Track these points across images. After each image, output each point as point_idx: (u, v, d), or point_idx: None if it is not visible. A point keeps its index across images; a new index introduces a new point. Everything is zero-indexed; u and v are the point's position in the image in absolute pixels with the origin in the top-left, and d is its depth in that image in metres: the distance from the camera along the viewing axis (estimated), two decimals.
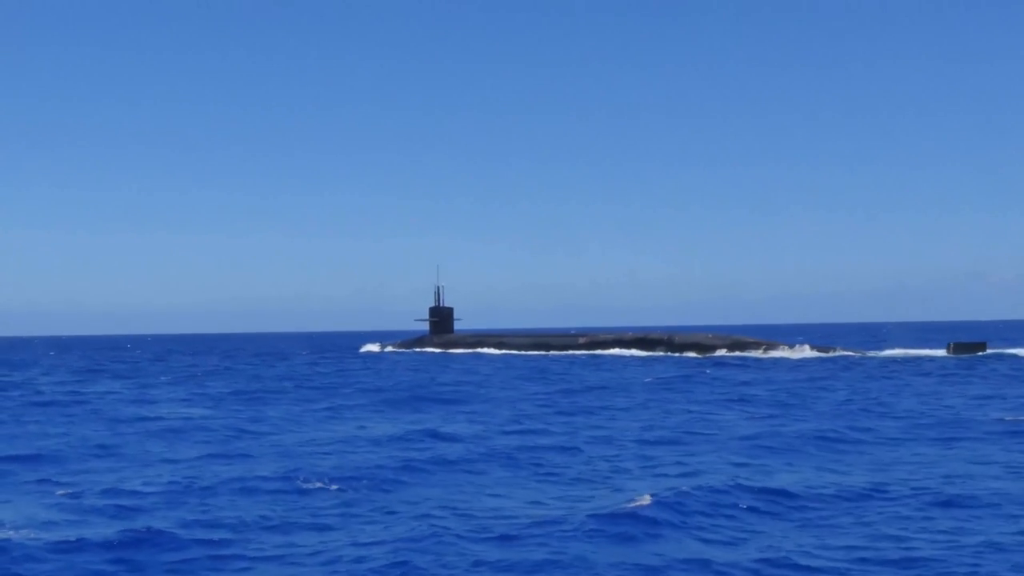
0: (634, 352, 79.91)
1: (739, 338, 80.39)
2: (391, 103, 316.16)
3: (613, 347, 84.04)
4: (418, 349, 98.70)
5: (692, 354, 74.63)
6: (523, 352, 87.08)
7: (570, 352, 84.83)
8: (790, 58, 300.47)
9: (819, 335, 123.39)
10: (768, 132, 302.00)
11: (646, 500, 14.67)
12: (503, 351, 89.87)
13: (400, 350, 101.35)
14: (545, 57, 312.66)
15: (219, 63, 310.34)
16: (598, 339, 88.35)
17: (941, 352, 66.16)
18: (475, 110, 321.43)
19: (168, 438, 24.27)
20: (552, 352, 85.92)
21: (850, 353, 69.05)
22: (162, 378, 54.44)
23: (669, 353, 76.88)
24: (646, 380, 45.12)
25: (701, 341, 79.72)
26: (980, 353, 64.13)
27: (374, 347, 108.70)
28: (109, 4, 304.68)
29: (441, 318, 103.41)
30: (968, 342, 68.29)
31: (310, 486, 16.63)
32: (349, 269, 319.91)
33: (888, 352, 69.24)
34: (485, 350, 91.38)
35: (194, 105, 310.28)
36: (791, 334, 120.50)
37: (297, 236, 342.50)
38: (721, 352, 74.07)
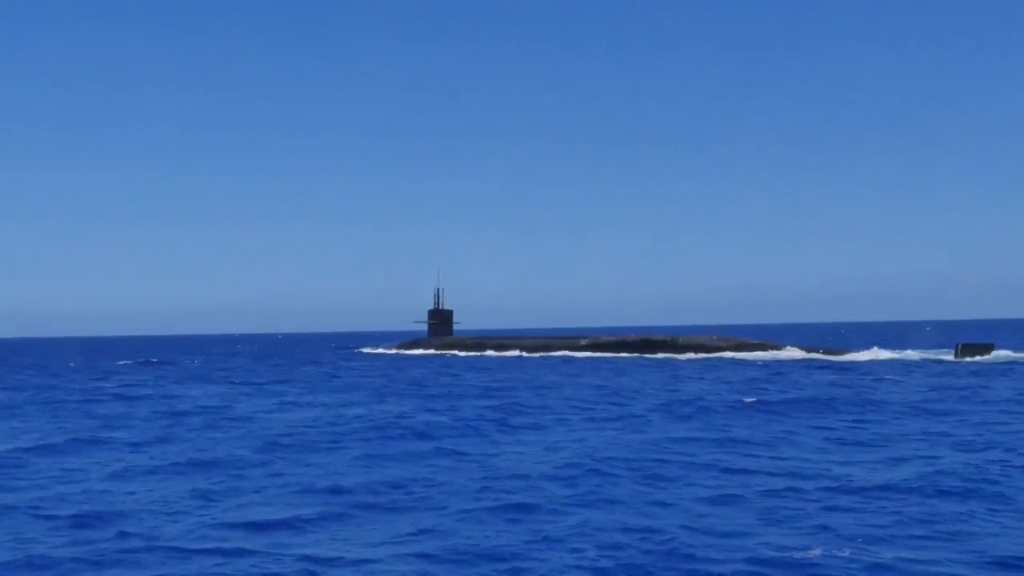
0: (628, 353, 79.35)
1: (743, 340, 79.84)
2: (394, 101, 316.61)
3: (616, 349, 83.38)
4: (411, 351, 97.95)
5: (693, 355, 74.08)
6: (528, 355, 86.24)
7: (568, 353, 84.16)
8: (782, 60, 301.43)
9: (808, 335, 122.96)
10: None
11: None
12: (502, 353, 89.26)
13: (398, 352, 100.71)
14: (550, 55, 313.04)
15: (219, 59, 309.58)
16: (600, 341, 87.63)
17: (949, 355, 65.34)
18: (477, 108, 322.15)
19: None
20: (553, 354, 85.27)
21: (925, 356, 65.92)
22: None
23: (673, 356, 76.20)
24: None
25: (705, 343, 79.11)
26: (989, 355, 63.49)
27: (378, 348, 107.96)
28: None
29: (440, 320, 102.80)
30: (976, 344, 67.53)
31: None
32: (346, 268, 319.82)
33: (896, 354, 68.03)
34: (487, 353, 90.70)
35: (195, 107, 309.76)
36: (777, 334, 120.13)
37: (294, 233, 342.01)
38: (729, 354, 73.32)
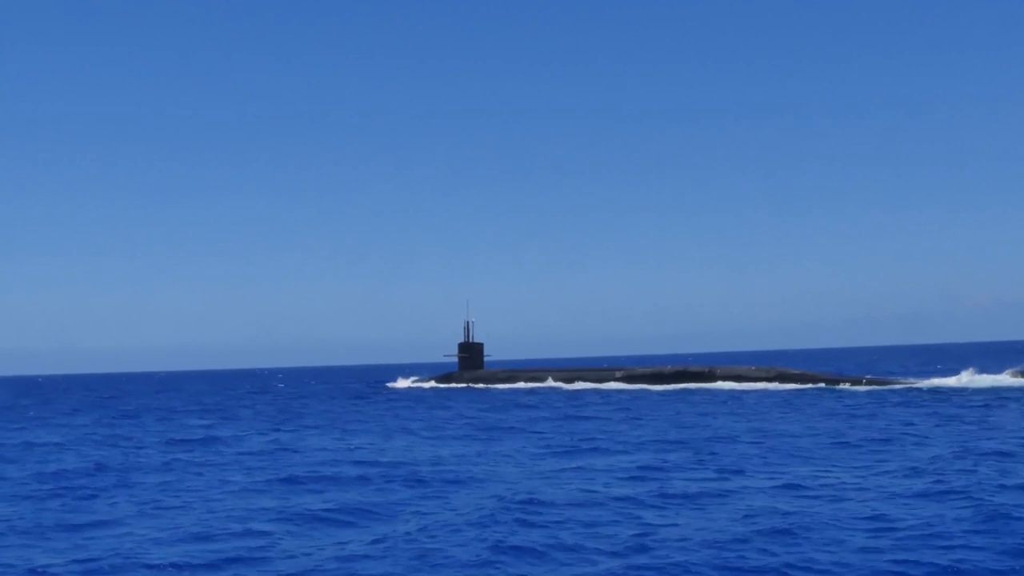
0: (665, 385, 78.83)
1: (783, 370, 79.10)
2: (414, 128, 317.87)
3: (652, 381, 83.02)
4: (448, 384, 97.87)
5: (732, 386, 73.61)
6: (564, 385, 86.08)
7: (608, 385, 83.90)
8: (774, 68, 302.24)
9: (806, 363, 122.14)
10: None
11: None
12: (533, 384, 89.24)
13: (426, 385, 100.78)
14: (585, 81, 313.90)
15: (225, 74, 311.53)
16: (635, 372, 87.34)
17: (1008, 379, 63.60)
18: (507, 136, 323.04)
19: None
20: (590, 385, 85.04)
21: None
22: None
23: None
24: None
25: (744, 374, 78.59)
26: None
27: (406, 382, 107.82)
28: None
29: (471, 353, 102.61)
30: None
31: None
32: (375, 301, 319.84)
33: (994, 379, 65.08)
34: (519, 384, 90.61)
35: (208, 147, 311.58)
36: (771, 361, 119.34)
37: (318, 264, 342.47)
38: (768, 385, 72.74)
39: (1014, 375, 64.18)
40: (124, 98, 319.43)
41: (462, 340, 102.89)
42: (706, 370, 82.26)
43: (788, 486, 21.01)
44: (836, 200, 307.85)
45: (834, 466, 24.26)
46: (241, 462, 29.50)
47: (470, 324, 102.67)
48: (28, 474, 27.91)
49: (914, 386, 63.95)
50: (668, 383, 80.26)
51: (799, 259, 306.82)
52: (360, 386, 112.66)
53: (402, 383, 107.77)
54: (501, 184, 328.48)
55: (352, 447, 33.24)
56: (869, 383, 67.55)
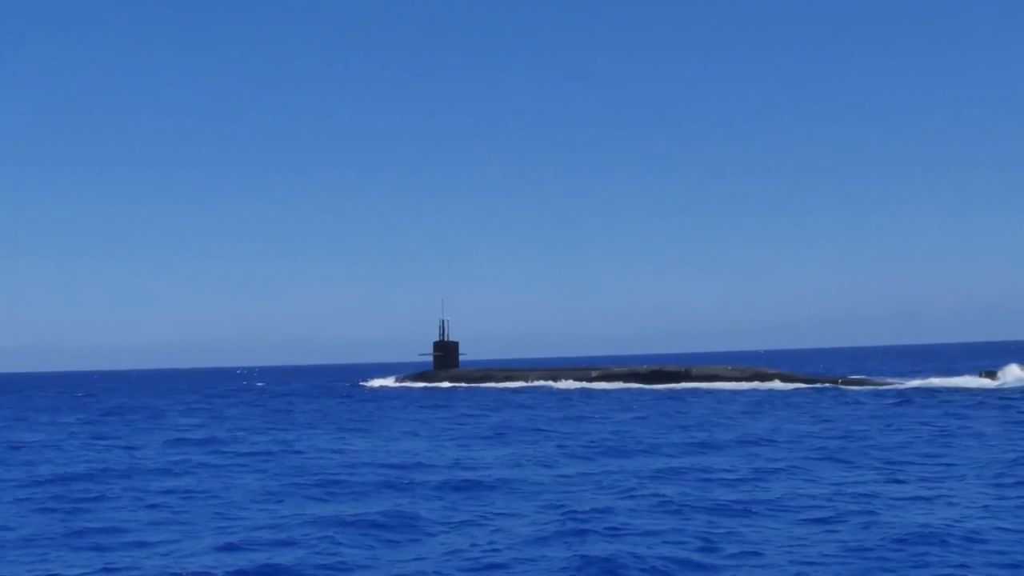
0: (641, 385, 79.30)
1: (759, 370, 79.66)
2: (402, 126, 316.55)
3: (628, 380, 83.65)
4: (427, 383, 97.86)
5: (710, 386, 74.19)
6: (552, 384, 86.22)
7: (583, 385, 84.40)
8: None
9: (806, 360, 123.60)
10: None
11: None
12: (514, 384, 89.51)
13: (404, 384, 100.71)
14: (563, 71, 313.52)
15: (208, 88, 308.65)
16: (612, 372, 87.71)
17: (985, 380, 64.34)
18: (485, 131, 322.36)
19: None
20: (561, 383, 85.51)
21: None
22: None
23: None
24: None
25: (719, 374, 79.08)
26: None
27: (387, 381, 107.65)
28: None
29: (446, 352, 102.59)
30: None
31: None
32: (348, 299, 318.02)
33: (929, 381, 65.63)
34: (500, 384, 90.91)
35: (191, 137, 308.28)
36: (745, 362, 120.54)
37: (290, 262, 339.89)
38: (745, 385, 73.34)
39: (984, 376, 65.25)
40: (124, 99, 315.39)
41: (437, 339, 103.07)
42: (682, 370, 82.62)
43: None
44: (817, 204, 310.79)
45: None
46: (253, 465, 28.17)
47: (445, 323, 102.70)
48: (30, 478, 26.33)
49: (921, 387, 62.54)
50: (645, 382, 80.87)
51: (775, 263, 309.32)
52: (340, 385, 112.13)
53: (379, 382, 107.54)
54: (480, 186, 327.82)
55: (383, 448, 32.07)
56: (852, 383, 67.66)
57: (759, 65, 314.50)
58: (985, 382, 62.93)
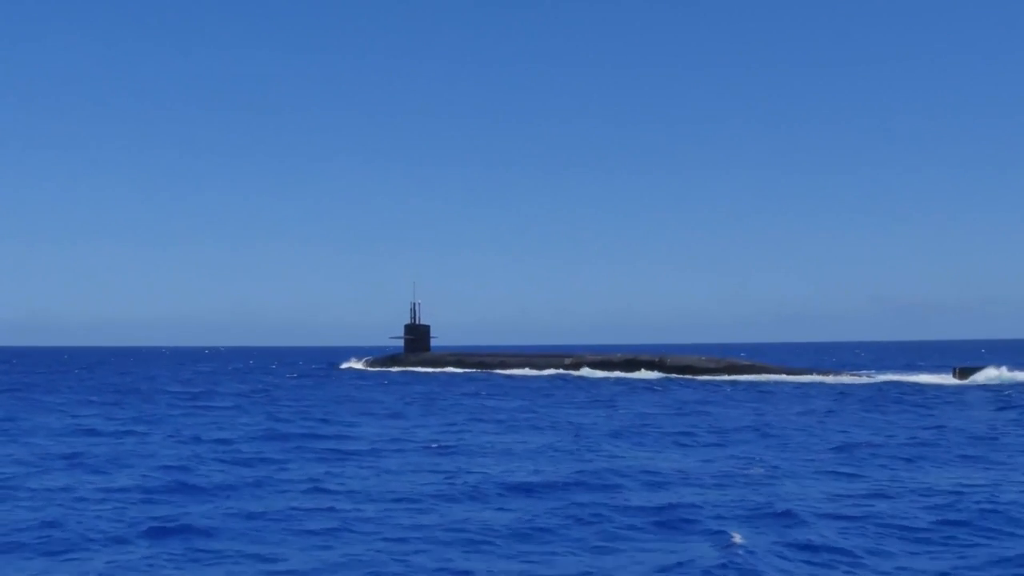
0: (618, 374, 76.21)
1: (733, 361, 76.81)
2: (381, 110, 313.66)
3: (600, 368, 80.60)
4: (398, 367, 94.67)
5: (685, 376, 71.09)
6: (530, 372, 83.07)
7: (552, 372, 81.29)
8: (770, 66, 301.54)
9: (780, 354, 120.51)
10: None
11: None
12: (466, 370, 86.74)
13: (372, 368, 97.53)
14: (535, 61, 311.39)
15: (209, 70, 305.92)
16: (584, 359, 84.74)
17: (948, 378, 62.41)
18: (464, 119, 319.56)
19: None
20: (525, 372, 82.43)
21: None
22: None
23: (663, 375, 73.31)
24: None
25: (694, 364, 76.08)
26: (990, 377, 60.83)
27: (357, 364, 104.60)
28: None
29: (417, 336, 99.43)
30: (973, 367, 65.12)
31: None
32: (321, 280, 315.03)
33: (897, 377, 64.38)
34: (454, 369, 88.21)
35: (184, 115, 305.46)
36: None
37: (264, 243, 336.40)
38: (720, 376, 70.05)
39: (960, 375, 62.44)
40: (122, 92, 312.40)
41: (408, 322, 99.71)
42: (656, 359, 79.67)
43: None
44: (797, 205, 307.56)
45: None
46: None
47: (416, 305, 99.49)
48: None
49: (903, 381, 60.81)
50: (621, 370, 77.74)
51: (743, 262, 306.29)
52: (319, 366, 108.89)
53: (355, 363, 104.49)
54: (457, 176, 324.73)
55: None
56: (800, 372, 66.75)
57: (751, 65, 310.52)
58: (950, 379, 60.73)
